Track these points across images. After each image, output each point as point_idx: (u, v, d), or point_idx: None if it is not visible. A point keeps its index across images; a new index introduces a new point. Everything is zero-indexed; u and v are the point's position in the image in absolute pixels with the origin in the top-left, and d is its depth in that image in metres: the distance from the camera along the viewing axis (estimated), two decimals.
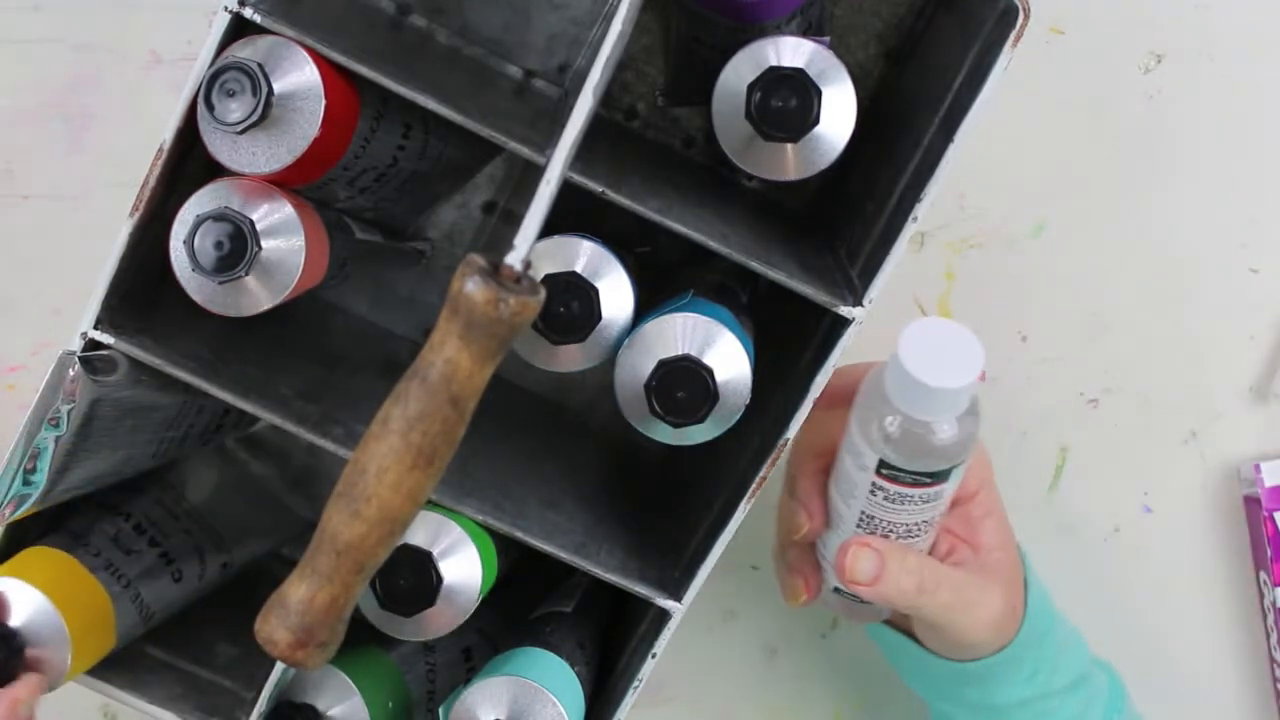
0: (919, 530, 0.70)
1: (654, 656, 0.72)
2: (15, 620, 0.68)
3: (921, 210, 0.67)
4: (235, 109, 0.64)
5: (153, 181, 0.66)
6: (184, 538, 0.79)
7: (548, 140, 0.69)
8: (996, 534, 0.74)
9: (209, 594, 0.80)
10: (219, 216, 0.65)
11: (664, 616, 0.71)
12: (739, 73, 0.68)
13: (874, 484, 0.68)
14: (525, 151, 0.67)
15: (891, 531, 0.69)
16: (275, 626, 0.58)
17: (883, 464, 0.66)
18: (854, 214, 0.76)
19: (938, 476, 0.67)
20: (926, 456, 0.66)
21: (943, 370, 0.63)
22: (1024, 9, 0.65)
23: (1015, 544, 0.75)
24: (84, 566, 0.72)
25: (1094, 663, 0.79)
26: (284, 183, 0.67)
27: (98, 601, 0.72)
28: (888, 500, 0.68)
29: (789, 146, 0.69)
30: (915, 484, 0.67)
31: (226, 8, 0.64)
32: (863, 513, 0.69)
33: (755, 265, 0.67)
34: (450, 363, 0.56)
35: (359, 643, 0.75)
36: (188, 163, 0.68)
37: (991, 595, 0.72)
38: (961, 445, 0.66)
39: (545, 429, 0.86)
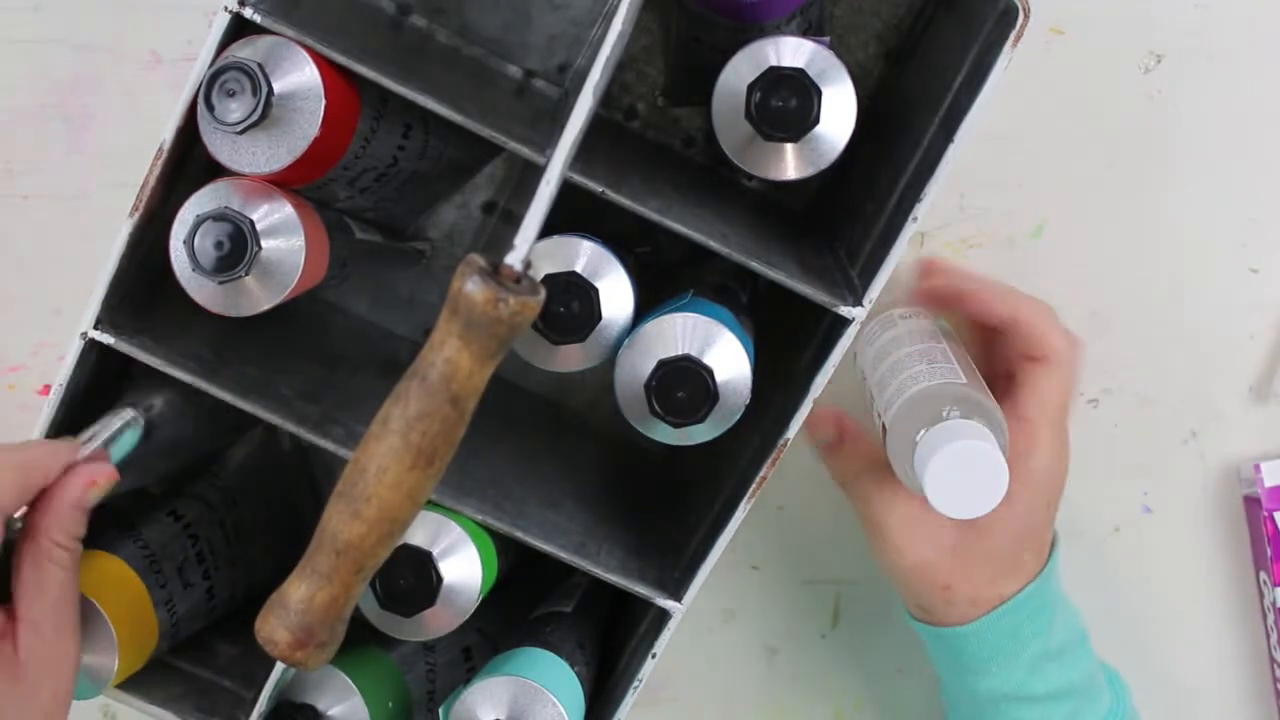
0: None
1: (654, 656, 0.72)
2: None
3: (921, 210, 0.67)
4: (235, 109, 0.64)
5: (153, 181, 0.66)
6: (229, 570, 0.79)
7: (548, 140, 0.69)
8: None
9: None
10: (219, 216, 0.65)
11: (664, 616, 0.71)
12: (739, 73, 0.68)
13: None
14: (525, 151, 0.67)
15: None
16: (275, 626, 0.58)
17: None
18: (854, 214, 0.76)
19: None
20: None
21: (964, 499, 0.66)
22: (1024, 9, 0.65)
23: (1034, 542, 0.74)
24: (150, 600, 0.72)
25: (1109, 680, 0.78)
26: (284, 183, 0.67)
27: (148, 629, 0.73)
28: None
29: (789, 146, 0.69)
30: None
31: (226, 8, 0.64)
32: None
33: (755, 265, 0.67)
34: (450, 363, 0.56)
35: (359, 643, 0.75)
36: (188, 163, 0.68)
37: (917, 537, 0.73)
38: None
39: (545, 429, 0.86)
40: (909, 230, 0.67)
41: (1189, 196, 0.86)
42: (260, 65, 0.63)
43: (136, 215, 0.66)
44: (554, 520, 0.73)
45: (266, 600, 0.60)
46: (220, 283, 0.65)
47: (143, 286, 0.69)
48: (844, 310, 0.68)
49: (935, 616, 0.75)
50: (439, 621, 0.69)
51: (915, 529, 0.74)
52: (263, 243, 0.65)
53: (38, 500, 0.65)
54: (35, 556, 0.64)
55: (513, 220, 0.84)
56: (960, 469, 0.65)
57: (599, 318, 0.68)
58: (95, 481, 0.66)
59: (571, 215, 0.66)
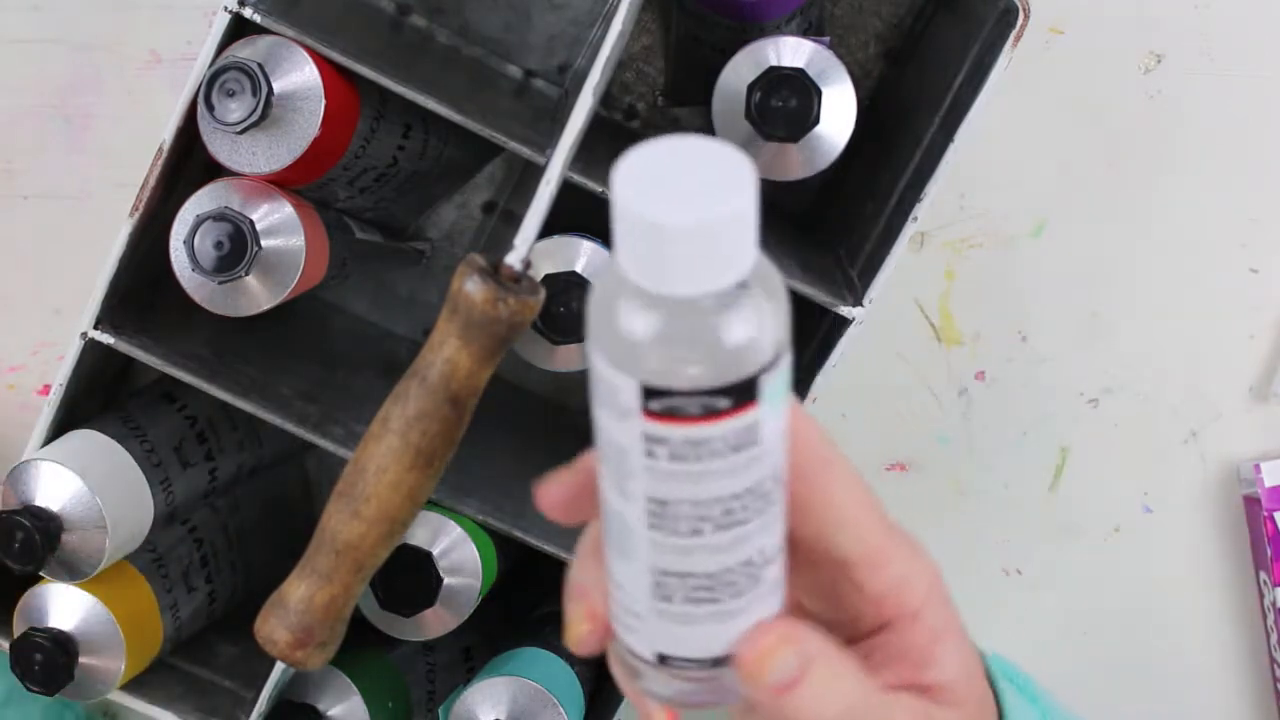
0: (745, 511, 0.42)
1: None
2: (72, 625, 0.69)
3: (921, 210, 0.67)
4: (235, 109, 0.64)
5: (153, 181, 0.66)
6: (229, 572, 0.79)
7: (548, 140, 0.69)
8: (957, 662, 0.49)
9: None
10: (219, 216, 0.65)
11: None
12: (739, 73, 0.68)
13: (648, 436, 0.40)
14: (525, 151, 0.67)
15: (705, 523, 0.42)
16: (275, 626, 0.58)
17: (649, 392, 0.40)
18: (854, 214, 0.76)
19: (740, 393, 0.40)
20: (708, 358, 0.40)
21: (684, 198, 0.39)
22: (1024, 9, 0.65)
23: (981, 667, 0.51)
24: (156, 604, 0.72)
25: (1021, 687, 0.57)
26: (284, 183, 0.67)
27: (154, 633, 0.73)
28: (676, 461, 0.41)
29: (789, 146, 0.69)
30: (708, 414, 0.40)
31: (226, 8, 0.64)
32: (650, 500, 0.42)
33: None
34: (450, 362, 0.56)
35: (359, 643, 0.75)
36: (188, 163, 0.68)
37: None
38: (758, 334, 0.40)
39: (545, 429, 0.86)
40: (909, 230, 0.67)
41: (1189, 196, 0.86)
42: (260, 65, 0.63)
43: (136, 215, 0.66)
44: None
45: (266, 600, 0.60)
46: (220, 283, 0.65)
47: (143, 286, 0.69)
48: (844, 310, 0.68)
49: None
50: (439, 621, 0.69)
51: None
52: (263, 242, 0.65)
53: None
54: None
55: (513, 220, 0.84)
56: (674, 164, 0.41)
57: None
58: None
59: (571, 215, 0.66)
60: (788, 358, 0.42)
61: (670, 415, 0.40)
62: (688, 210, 0.38)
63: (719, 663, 0.45)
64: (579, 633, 0.47)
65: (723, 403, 0.40)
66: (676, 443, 0.40)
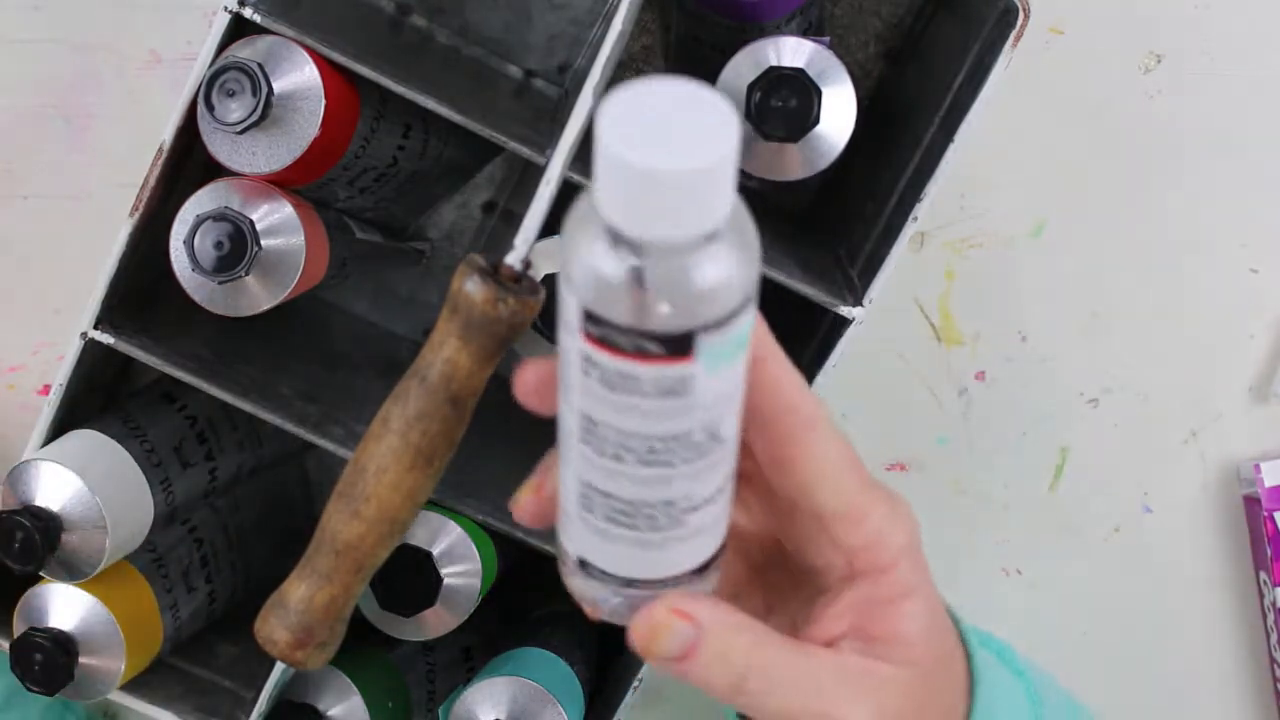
0: (670, 455, 0.43)
1: None
2: (73, 625, 0.69)
3: (921, 210, 0.67)
4: (235, 109, 0.64)
5: (153, 181, 0.66)
6: (229, 573, 0.79)
7: (548, 140, 0.69)
8: (919, 621, 0.48)
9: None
10: (219, 216, 0.65)
11: None
12: (739, 73, 0.68)
13: (585, 356, 0.42)
14: (525, 151, 0.67)
15: (627, 452, 0.43)
16: (274, 626, 0.58)
17: (589, 316, 0.41)
18: (854, 214, 0.76)
19: (671, 344, 0.41)
20: (646, 301, 0.40)
21: (664, 144, 0.39)
22: (1024, 9, 0.65)
23: (951, 633, 0.50)
24: (156, 604, 0.72)
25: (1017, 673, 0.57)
26: (284, 183, 0.67)
27: (154, 633, 0.72)
28: (606, 387, 0.42)
29: (789, 146, 0.69)
30: (639, 354, 0.41)
31: (226, 8, 0.64)
32: (583, 415, 0.44)
33: None
34: (450, 362, 0.56)
35: (359, 643, 0.75)
36: (188, 163, 0.68)
37: (861, 707, 0.47)
38: (707, 292, 0.40)
39: (546, 429, 0.86)
40: (909, 230, 0.68)
41: (1189, 196, 0.86)
42: (260, 65, 0.63)
43: (136, 215, 0.66)
44: None
45: (266, 600, 0.60)
46: (220, 283, 0.66)
47: (143, 286, 0.69)
48: (844, 310, 0.68)
49: None
50: (439, 621, 0.69)
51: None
52: (263, 242, 0.65)
53: None
54: None
55: (513, 220, 0.84)
56: (663, 106, 0.40)
57: None
58: None
59: None
60: (742, 321, 0.42)
61: (604, 343, 0.41)
62: (662, 158, 0.38)
63: (631, 584, 0.47)
64: (521, 501, 0.50)
65: (653, 348, 0.41)
66: (608, 370, 0.42)
